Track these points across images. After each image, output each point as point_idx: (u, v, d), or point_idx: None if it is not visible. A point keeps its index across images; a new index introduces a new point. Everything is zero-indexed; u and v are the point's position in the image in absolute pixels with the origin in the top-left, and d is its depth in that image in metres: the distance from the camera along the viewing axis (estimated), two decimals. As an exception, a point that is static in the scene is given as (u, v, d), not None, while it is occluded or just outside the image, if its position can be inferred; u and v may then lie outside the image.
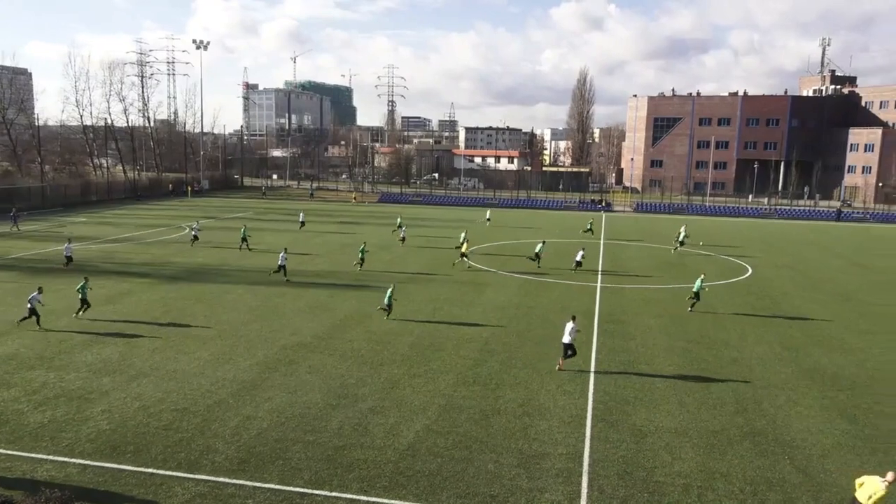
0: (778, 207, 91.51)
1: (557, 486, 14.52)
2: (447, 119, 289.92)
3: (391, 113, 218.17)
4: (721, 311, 30.77)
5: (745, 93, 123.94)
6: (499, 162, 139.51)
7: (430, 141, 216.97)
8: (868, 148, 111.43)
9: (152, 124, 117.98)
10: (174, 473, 14.52)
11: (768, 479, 15.02)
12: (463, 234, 45.84)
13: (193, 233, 47.20)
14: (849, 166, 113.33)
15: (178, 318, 26.89)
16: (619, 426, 17.60)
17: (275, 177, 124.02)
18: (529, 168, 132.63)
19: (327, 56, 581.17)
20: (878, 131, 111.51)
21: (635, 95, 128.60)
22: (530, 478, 14.80)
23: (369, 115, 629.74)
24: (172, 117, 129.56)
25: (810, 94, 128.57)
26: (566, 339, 21.81)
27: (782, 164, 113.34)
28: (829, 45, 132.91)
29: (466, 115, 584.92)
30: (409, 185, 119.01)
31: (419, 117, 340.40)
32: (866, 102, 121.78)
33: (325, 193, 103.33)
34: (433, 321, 27.58)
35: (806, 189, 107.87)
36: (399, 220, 56.20)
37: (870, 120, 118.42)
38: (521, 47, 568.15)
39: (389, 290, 27.56)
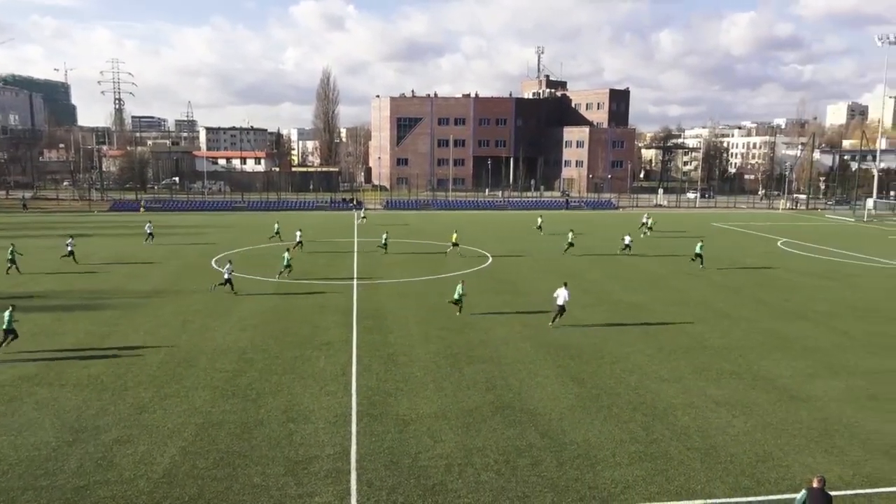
0: (510, 199, 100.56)
1: (327, 487, 14.48)
2: (185, 119, 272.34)
3: (119, 112, 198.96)
4: (469, 298, 32.97)
5: (476, 94, 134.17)
6: (245, 163, 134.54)
7: (168, 142, 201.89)
8: (579, 144, 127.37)
9: None
10: None
11: (518, 447, 16.48)
12: (455, 234, 48.83)
13: None
14: (565, 161, 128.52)
15: None
16: (384, 418, 18.05)
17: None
18: (278, 169, 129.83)
19: (35, 47, 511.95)
20: (586, 130, 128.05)
21: (378, 96, 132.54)
22: (299, 484, 14.56)
23: (93, 114, 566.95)
24: None
25: (531, 96, 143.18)
26: (560, 301, 27.07)
27: (511, 160, 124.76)
28: (543, 52, 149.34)
29: (206, 114, 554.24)
30: (147, 191, 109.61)
31: (153, 117, 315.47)
32: (576, 104, 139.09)
33: (45, 203, 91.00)
34: (184, 335, 25.79)
35: (532, 182, 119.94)
36: (149, 226, 52.48)
37: (579, 120, 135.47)
38: (263, 45, 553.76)
39: (460, 287, 29.24)
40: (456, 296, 29.24)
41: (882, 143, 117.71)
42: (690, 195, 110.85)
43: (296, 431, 17.19)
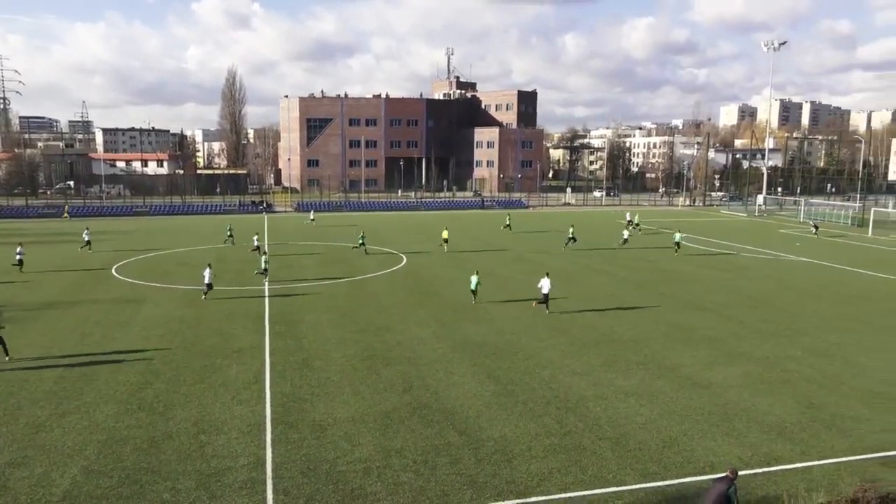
0: (424, 200, 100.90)
1: (242, 498, 14.06)
2: (79, 119, 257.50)
3: (4, 112, 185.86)
4: (384, 299, 32.91)
5: (387, 95, 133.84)
6: (146, 166, 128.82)
7: (60, 144, 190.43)
8: (490, 145, 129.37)
9: None
10: None
11: (436, 446, 16.56)
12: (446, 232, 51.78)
13: None
14: (476, 161, 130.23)
15: None
16: (299, 425, 17.72)
17: None
18: (182, 172, 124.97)
19: None
20: (496, 130, 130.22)
21: (287, 96, 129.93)
22: (212, 497, 14.08)
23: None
24: None
25: (441, 97, 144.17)
26: (545, 290, 29.73)
27: (423, 160, 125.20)
28: (453, 53, 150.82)
29: (103, 115, 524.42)
30: (38, 197, 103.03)
31: (43, 117, 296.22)
32: (485, 105, 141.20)
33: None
34: (83, 348, 24.41)
35: (445, 182, 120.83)
36: (86, 232, 50.35)
37: (489, 120, 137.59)
38: (163, 42, 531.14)
39: (476, 278, 31.97)
40: (473, 286, 31.83)
41: (769, 143, 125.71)
42: (597, 194, 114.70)
43: (207, 443, 16.62)
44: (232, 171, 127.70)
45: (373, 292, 34.32)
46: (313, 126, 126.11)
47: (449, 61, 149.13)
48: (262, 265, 37.35)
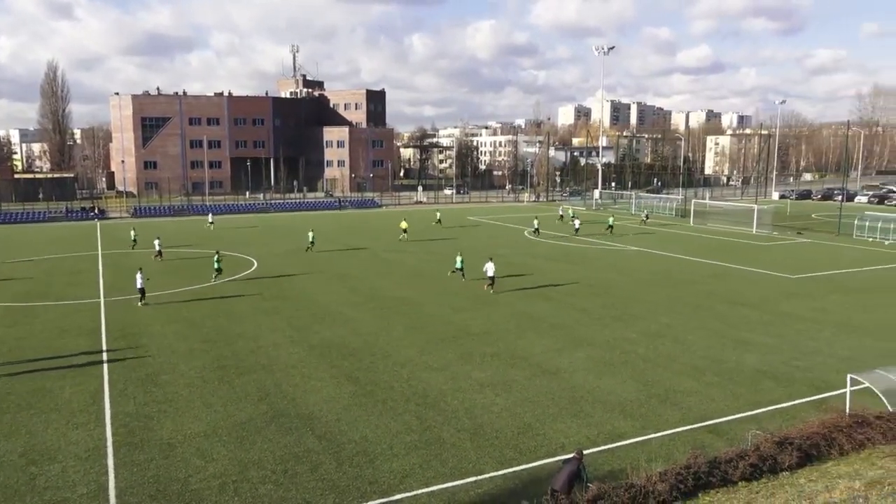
0: (273, 201, 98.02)
1: (82, 531, 12.94)
2: None
3: None
4: (235, 306, 31.61)
5: (230, 93, 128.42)
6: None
7: None
8: (340, 144, 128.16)
9: None
10: None
11: (295, 453, 16.18)
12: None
13: None
14: (327, 161, 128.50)
15: None
16: (146, 445, 16.60)
17: None
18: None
19: None
20: (346, 130, 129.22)
21: (118, 93, 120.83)
22: (46, 533, 12.83)
23: None
24: None
25: (288, 95, 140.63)
26: (490, 273, 33.73)
27: (272, 160, 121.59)
28: (298, 51, 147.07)
29: None
30: None
31: None
32: (334, 104, 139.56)
33: None
34: None
35: (295, 183, 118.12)
36: None
37: (338, 120, 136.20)
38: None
39: (460, 258, 36.89)
40: (458, 265, 36.13)
41: (603, 141, 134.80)
42: (447, 191, 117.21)
43: (39, 474, 15.12)
44: (57, 175, 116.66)
45: (222, 299, 32.86)
46: (149, 125, 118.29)
47: (295, 59, 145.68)
48: (216, 265, 37.47)
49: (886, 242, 54.00)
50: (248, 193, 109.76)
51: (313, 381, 21.17)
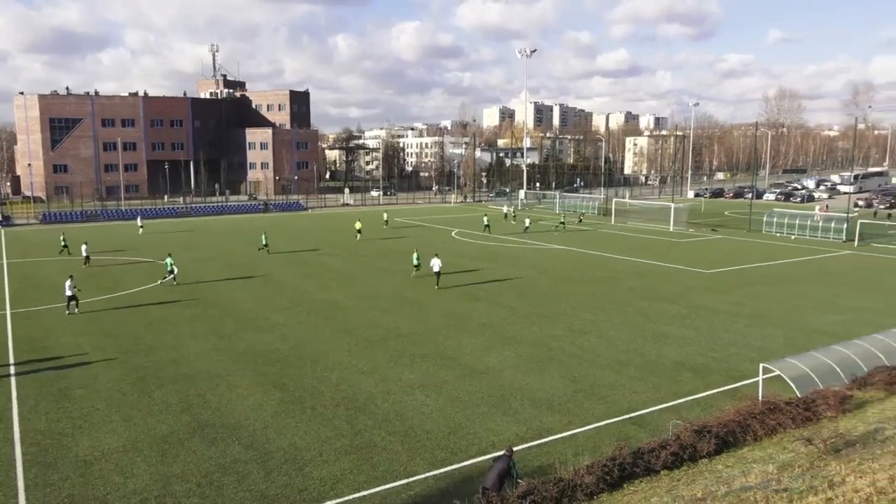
0: (193, 205, 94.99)
1: (-11, 558, 12.19)
2: None
3: None
4: (157, 314, 30.45)
5: (146, 93, 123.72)
6: None
7: None
8: (263, 146, 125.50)
9: None
10: None
11: (222, 465, 15.73)
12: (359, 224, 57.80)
13: None
14: (250, 163, 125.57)
15: None
16: (60, 464, 15.78)
17: None
18: None
19: None
20: (269, 131, 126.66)
21: (23, 93, 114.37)
22: (-51, 563, 12.01)
23: None
24: None
25: (207, 96, 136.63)
26: (436, 268, 34.91)
27: (191, 163, 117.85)
28: (218, 50, 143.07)
29: None
30: None
31: None
32: (256, 105, 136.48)
33: None
34: None
35: (217, 186, 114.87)
36: None
37: (261, 121, 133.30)
38: None
39: (416, 254, 38.63)
40: (415, 261, 37.61)
41: (527, 142, 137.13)
42: (374, 193, 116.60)
43: (-61, 501, 14.14)
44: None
45: (143, 307, 31.59)
46: (58, 127, 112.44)
47: (214, 59, 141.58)
48: (169, 266, 37.86)
49: (792, 237, 57.18)
50: (166, 197, 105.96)
51: (239, 390, 20.64)
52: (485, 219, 64.52)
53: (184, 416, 18.63)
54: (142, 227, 65.49)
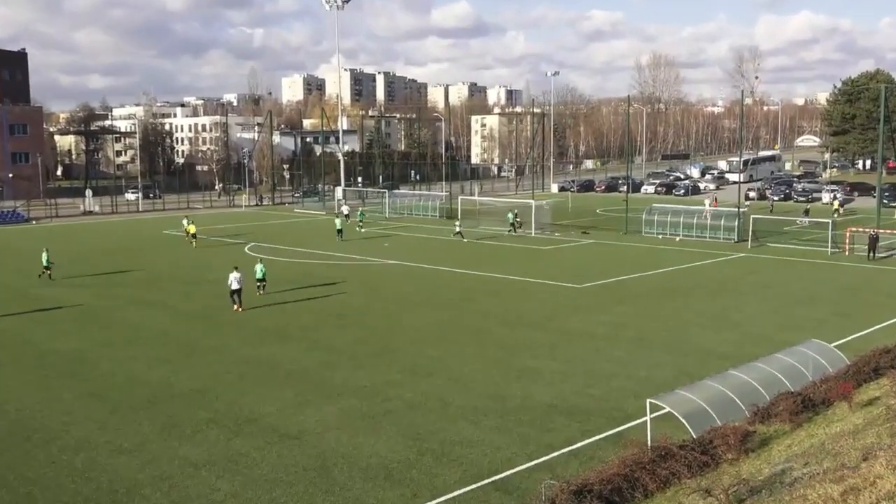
0: None
1: None
2: None
3: None
4: None
5: None
6: None
7: None
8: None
9: None
10: None
11: None
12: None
13: None
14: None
15: None
16: None
17: None
18: None
19: None
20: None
21: None
22: None
23: None
24: None
25: None
26: (234, 285, 36.83)
27: None
28: None
29: None
30: None
31: None
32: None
33: None
34: None
35: None
36: None
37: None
38: None
39: (260, 265, 41.31)
40: (259, 275, 40.45)
41: (343, 123, 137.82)
42: (130, 196, 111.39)
43: None
44: None
45: None
46: None
47: None
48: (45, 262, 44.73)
49: (677, 238, 62.06)
50: None
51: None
52: (457, 224, 67.46)
53: None
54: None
